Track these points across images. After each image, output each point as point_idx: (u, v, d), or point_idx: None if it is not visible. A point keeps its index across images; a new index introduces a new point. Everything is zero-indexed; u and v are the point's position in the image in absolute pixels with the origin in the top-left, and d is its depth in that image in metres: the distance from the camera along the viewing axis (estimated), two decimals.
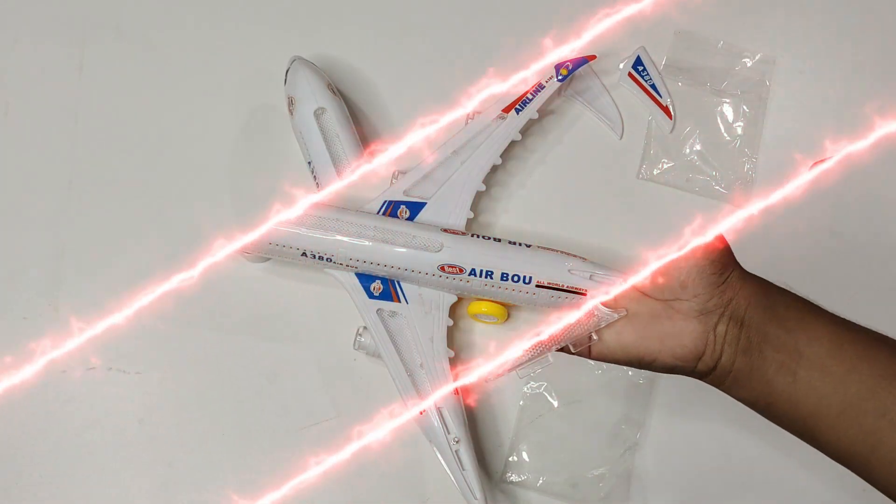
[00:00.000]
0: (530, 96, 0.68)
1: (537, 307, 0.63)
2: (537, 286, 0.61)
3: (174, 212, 0.69)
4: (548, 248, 0.62)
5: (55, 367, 0.65)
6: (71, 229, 0.68)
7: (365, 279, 0.63)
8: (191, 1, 0.75)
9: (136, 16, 0.74)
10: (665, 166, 0.71)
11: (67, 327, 0.66)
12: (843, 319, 0.51)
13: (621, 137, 0.72)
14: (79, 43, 0.73)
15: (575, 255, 0.62)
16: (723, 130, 0.72)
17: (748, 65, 0.74)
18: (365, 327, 0.62)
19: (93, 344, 0.65)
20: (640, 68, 0.73)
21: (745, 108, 0.73)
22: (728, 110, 0.73)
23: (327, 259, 0.61)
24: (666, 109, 0.72)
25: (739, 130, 0.72)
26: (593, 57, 0.70)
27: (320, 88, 0.65)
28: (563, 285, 0.61)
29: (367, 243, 0.61)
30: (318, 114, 0.64)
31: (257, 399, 0.65)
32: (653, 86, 0.72)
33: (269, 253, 0.63)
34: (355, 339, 0.63)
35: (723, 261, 0.52)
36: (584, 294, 0.61)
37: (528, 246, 0.62)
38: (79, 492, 0.62)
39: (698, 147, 0.72)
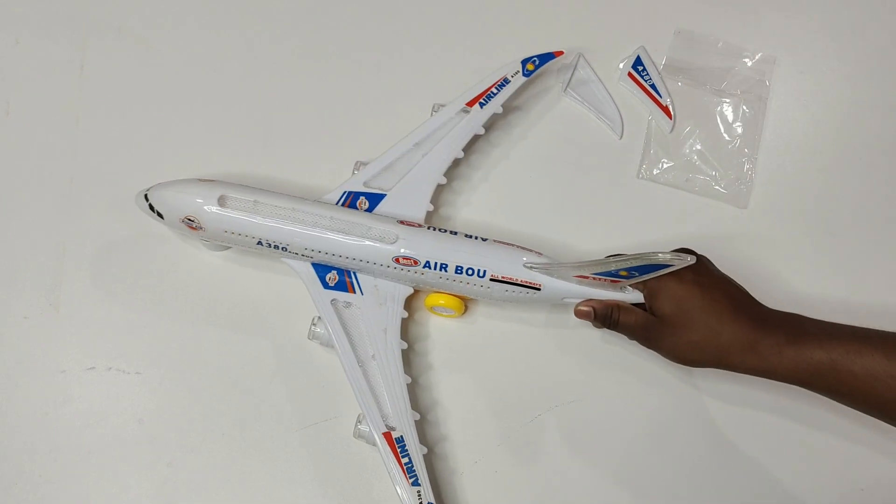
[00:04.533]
0: (495, 91, 0.68)
1: (493, 301, 0.64)
2: (491, 280, 0.61)
3: None
4: (504, 243, 0.62)
5: (55, 367, 0.65)
6: (71, 229, 0.68)
7: (321, 269, 0.63)
8: (191, 2, 0.75)
9: (137, 16, 0.75)
10: (665, 166, 0.71)
11: (67, 327, 0.66)
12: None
13: (621, 137, 0.72)
14: (80, 43, 0.73)
15: (531, 250, 0.62)
16: (722, 130, 0.72)
17: (748, 64, 0.74)
18: (319, 317, 0.62)
19: (93, 343, 0.66)
20: (640, 68, 0.73)
21: (744, 108, 0.73)
22: (728, 110, 0.73)
23: (282, 248, 0.61)
24: (666, 109, 0.72)
25: (739, 130, 0.72)
26: (560, 53, 0.70)
27: (191, 188, 0.61)
28: (517, 279, 0.61)
29: (321, 233, 0.60)
30: (222, 202, 0.60)
31: (257, 399, 0.64)
32: (652, 86, 0.73)
33: (225, 241, 0.63)
34: (310, 329, 0.63)
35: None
36: (538, 288, 0.61)
37: (485, 240, 0.62)
38: (79, 492, 0.62)
39: (698, 147, 0.72)
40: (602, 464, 0.63)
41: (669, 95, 0.72)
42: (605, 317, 0.60)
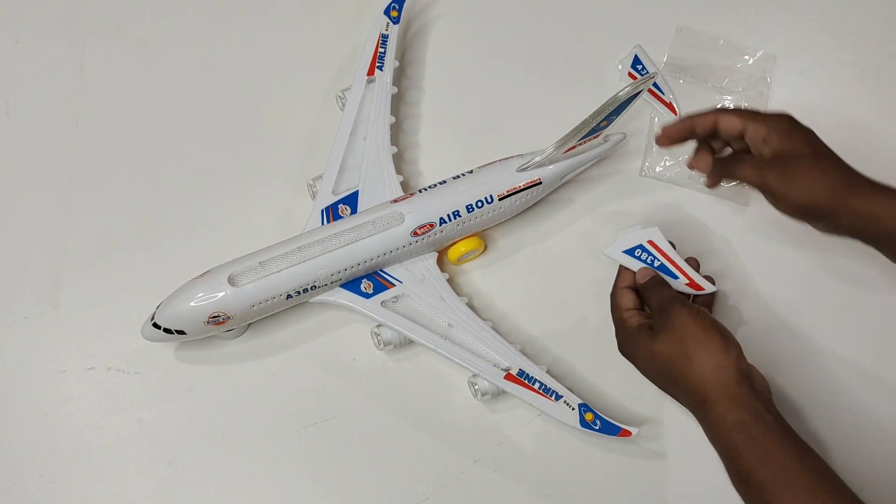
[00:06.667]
0: (382, 50, 0.69)
1: (508, 217, 0.66)
2: (500, 199, 0.63)
3: (174, 211, 0.69)
4: (488, 164, 0.65)
5: (55, 367, 0.65)
6: (71, 229, 0.68)
7: (352, 286, 0.63)
8: (191, 1, 0.75)
9: (137, 16, 0.75)
10: (667, 164, 0.71)
11: (67, 327, 0.66)
12: None
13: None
14: (79, 43, 0.73)
15: (512, 156, 0.65)
16: None
17: (749, 62, 0.74)
18: (379, 325, 0.62)
19: (93, 343, 0.65)
20: (640, 66, 0.72)
21: (745, 105, 0.72)
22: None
23: (311, 288, 0.61)
24: (670, 106, 0.72)
25: None
26: None
27: (196, 289, 0.59)
28: (519, 186, 0.64)
29: (339, 252, 0.60)
30: (233, 281, 0.59)
31: (257, 398, 0.64)
32: (655, 83, 0.72)
33: (253, 316, 0.61)
34: (375, 341, 0.63)
35: None
36: (540, 182, 0.64)
37: (471, 171, 0.64)
38: (79, 492, 0.62)
39: None
40: None
41: (672, 92, 0.72)
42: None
